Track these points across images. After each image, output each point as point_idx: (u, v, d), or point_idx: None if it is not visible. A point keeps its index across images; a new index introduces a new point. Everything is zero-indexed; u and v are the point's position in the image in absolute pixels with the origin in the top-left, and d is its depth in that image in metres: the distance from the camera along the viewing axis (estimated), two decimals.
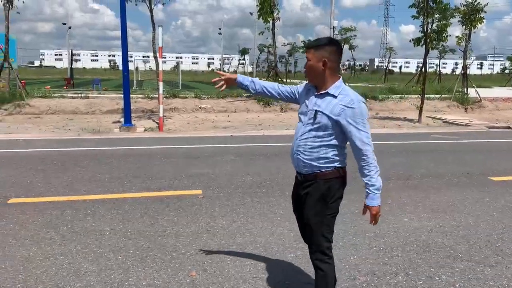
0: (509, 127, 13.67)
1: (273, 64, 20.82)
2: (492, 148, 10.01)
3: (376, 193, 2.51)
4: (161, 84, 12.12)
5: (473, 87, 19.69)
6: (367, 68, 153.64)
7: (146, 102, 16.94)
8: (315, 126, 2.51)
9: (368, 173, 2.48)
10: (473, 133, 12.47)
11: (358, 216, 4.85)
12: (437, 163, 7.81)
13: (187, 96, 18.33)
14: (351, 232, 4.40)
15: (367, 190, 2.51)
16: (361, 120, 2.43)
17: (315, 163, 2.54)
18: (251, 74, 52.63)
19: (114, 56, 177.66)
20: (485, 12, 18.08)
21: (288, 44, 59.93)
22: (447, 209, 5.19)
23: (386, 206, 5.24)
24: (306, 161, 2.56)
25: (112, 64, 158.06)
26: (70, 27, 48.42)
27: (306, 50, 2.57)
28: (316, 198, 2.58)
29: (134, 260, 3.68)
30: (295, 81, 47.16)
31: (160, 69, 12.15)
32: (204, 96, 18.29)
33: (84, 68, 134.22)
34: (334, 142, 2.51)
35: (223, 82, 2.97)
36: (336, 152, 2.53)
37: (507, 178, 6.73)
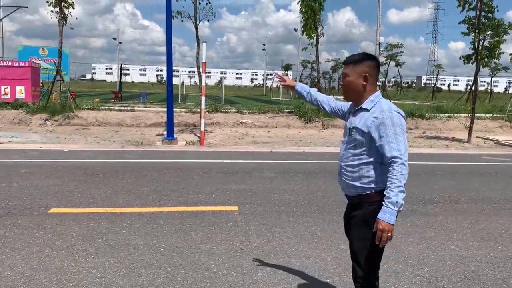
0: None
1: (316, 80, 20.66)
2: None
3: (389, 207, 2.26)
4: (203, 98, 12.25)
5: None
6: (414, 85, 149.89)
7: (189, 116, 17.19)
8: (352, 144, 2.47)
9: (389, 185, 2.28)
10: None
11: (400, 240, 4.59)
12: (488, 187, 7.34)
13: (229, 110, 18.46)
14: (392, 258, 4.14)
15: (383, 201, 2.31)
16: (392, 131, 2.30)
17: (357, 183, 2.46)
18: None
19: (161, 71, 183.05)
20: None
21: (332, 60, 59.73)
22: (499, 238, 4.81)
23: (432, 231, 4.94)
24: (349, 181, 2.50)
25: (159, 78, 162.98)
26: (120, 42, 50.46)
27: (344, 66, 2.54)
28: (360, 222, 2.47)
29: (166, 277, 3.61)
30: (338, 97, 46.71)
31: (203, 84, 12.29)
32: (245, 111, 18.36)
33: (132, 82, 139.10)
34: (372, 159, 2.40)
35: (284, 80, 3.06)
36: (378, 171, 2.40)
37: None
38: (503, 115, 18.83)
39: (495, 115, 19.08)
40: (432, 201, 6.25)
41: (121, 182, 6.86)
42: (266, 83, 73.17)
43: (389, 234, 2.30)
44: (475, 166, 9.80)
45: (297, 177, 7.68)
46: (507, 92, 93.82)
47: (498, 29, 14.45)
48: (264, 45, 66.45)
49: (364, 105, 2.45)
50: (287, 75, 67.34)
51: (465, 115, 17.26)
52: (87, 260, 3.89)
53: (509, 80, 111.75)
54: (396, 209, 2.26)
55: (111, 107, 18.62)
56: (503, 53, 14.72)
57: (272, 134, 14.84)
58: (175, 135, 12.34)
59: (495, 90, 61.82)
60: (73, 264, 3.80)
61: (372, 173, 2.41)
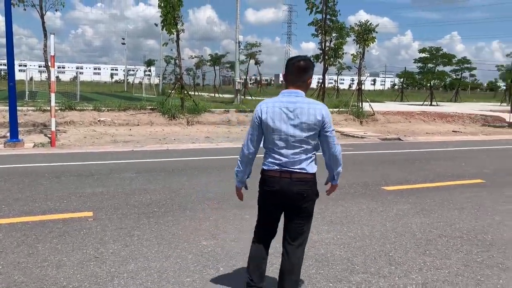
0: (399, 139, 14.79)
1: (179, 76, 20.43)
2: (384, 158, 10.68)
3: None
4: (53, 95, 11.18)
5: (367, 101, 21.11)
6: (272, 83, 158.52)
7: (38, 115, 15.58)
8: None
9: None
10: (368, 144, 13.26)
11: None
12: None
13: (85, 108, 17.20)
14: (245, 253, 4.25)
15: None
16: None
17: None
18: (157, 86, 51.39)
19: (5, 65, 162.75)
20: (376, 32, 19.59)
21: (195, 56, 59.79)
22: (344, 220, 5.31)
23: None
24: None
25: (2, 73, 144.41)
26: None
27: None
28: None
29: None
30: (203, 93, 46.97)
31: (52, 79, 11.23)
32: (103, 108, 17.31)
33: None
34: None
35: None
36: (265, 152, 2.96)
37: (398, 187, 7.16)
38: (347, 109, 20.97)
39: (341, 109, 21.14)
40: None
41: None
42: (127, 79, 70.16)
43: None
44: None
45: (160, 176, 7.48)
46: (351, 88, 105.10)
47: (341, 31, 16.08)
48: (123, 39, 63.69)
49: None
50: (149, 70, 64.87)
51: None
52: None
53: (352, 78, 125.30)
54: (234, 178, 3.11)
55: None
56: (346, 53, 16.43)
57: (134, 132, 14.26)
58: (20, 137, 11.04)
59: (341, 87, 68.75)
60: None
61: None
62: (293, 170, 2.83)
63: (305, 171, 2.85)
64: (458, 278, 3.77)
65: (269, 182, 2.89)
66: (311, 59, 3.18)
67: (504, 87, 53.96)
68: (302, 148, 2.82)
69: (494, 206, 6.12)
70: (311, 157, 2.88)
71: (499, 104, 42.90)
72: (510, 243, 4.69)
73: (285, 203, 2.92)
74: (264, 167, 2.91)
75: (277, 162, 2.85)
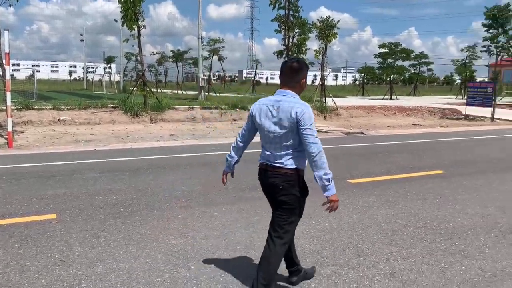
0: (361, 133, 15.11)
1: (141, 73, 20.05)
2: (348, 152, 10.89)
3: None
4: (8, 94, 10.72)
5: (330, 96, 21.46)
6: (236, 79, 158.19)
7: None
8: None
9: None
10: (332, 139, 13.46)
11: (229, 228, 4.75)
12: None
13: (43, 107, 16.59)
14: (221, 246, 4.26)
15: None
16: None
17: None
18: (118, 83, 50.24)
19: None
20: (338, 28, 19.91)
21: (157, 53, 58.82)
22: (312, 214, 5.37)
23: (257, 215, 5.25)
24: None
25: None
26: None
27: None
28: None
29: None
30: (165, 90, 46.29)
31: (8, 77, 10.76)
32: (63, 107, 16.75)
33: None
34: None
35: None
36: None
37: (363, 180, 7.31)
38: (311, 104, 21.24)
39: None
40: (255, 187, 6.63)
41: None
42: (87, 76, 68.19)
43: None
44: None
45: (124, 175, 7.32)
46: (314, 84, 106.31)
47: (304, 27, 16.24)
48: (82, 35, 61.83)
49: None
50: (109, 67, 63.48)
51: None
52: None
53: (315, 74, 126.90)
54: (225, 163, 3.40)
55: None
56: (309, 49, 16.60)
57: (96, 131, 13.89)
58: None
59: None
60: None
61: None
62: (274, 164, 3.05)
63: (283, 165, 3.01)
64: (424, 267, 3.90)
65: (259, 174, 3.20)
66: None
67: (460, 81, 56.11)
68: (282, 144, 2.99)
69: (454, 196, 6.37)
70: (291, 153, 3.02)
71: (455, 97, 44.55)
72: (470, 230, 4.89)
73: (269, 194, 3.18)
74: (259, 160, 3.19)
75: (263, 155, 3.13)
